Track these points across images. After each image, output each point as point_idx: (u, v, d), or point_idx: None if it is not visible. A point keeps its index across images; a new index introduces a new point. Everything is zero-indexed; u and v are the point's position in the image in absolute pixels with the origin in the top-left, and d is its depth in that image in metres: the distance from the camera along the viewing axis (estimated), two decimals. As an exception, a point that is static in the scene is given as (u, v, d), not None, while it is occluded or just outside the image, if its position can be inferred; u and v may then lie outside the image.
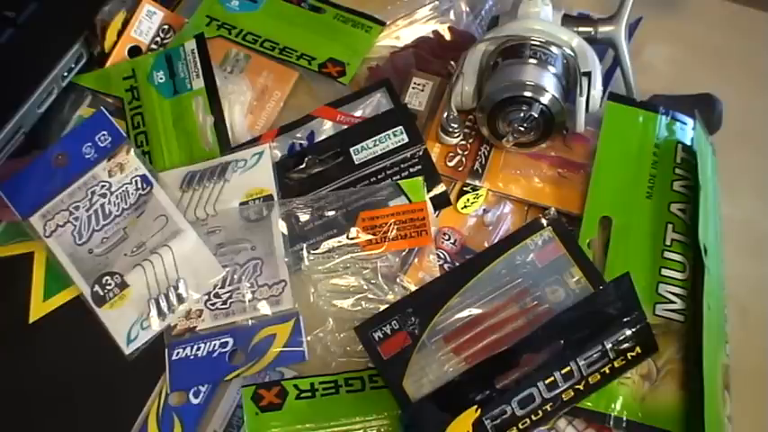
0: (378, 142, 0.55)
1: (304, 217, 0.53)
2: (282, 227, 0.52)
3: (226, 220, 0.52)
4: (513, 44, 0.53)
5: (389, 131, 0.55)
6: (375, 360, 0.47)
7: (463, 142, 0.56)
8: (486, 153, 0.56)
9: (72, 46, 0.57)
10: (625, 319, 0.46)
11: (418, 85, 0.58)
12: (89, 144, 0.53)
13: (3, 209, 0.52)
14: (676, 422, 0.45)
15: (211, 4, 0.63)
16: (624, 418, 0.46)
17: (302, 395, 0.47)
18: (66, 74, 0.57)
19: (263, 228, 0.52)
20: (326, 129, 0.57)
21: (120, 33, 0.60)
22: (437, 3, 0.63)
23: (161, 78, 0.58)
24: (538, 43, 0.53)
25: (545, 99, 0.51)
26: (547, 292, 0.48)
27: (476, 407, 0.44)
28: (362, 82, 0.60)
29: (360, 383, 0.48)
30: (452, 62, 0.59)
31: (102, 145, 0.53)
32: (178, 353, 0.50)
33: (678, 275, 0.49)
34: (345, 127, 0.56)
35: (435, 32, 0.62)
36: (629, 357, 0.46)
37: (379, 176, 0.54)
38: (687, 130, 0.54)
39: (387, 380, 0.46)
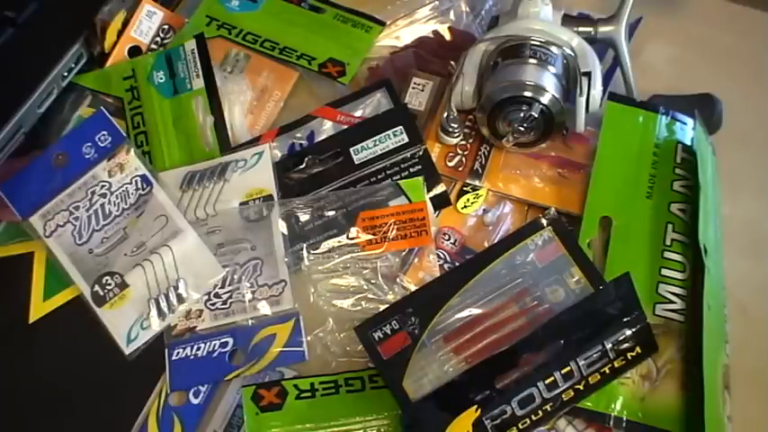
0: (378, 142, 0.55)
1: (304, 217, 0.53)
2: (282, 227, 0.52)
3: (226, 220, 0.52)
4: (513, 44, 0.53)
5: (389, 131, 0.55)
6: (375, 360, 0.47)
7: (463, 142, 0.56)
8: (486, 153, 0.56)
9: (72, 46, 0.57)
10: (625, 319, 0.46)
11: (418, 85, 0.58)
12: (89, 144, 0.53)
13: (3, 209, 0.52)
14: (676, 422, 0.45)
15: (211, 4, 0.63)
16: (624, 418, 0.46)
17: (302, 395, 0.47)
18: (66, 74, 0.57)
19: (263, 228, 0.52)
20: (326, 129, 0.57)
21: (120, 33, 0.60)
22: (437, 3, 0.63)
23: (161, 78, 0.58)
24: (538, 43, 0.53)
25: (545, 99, 0.51)
26: (547, 292, 0.48)
27: (476, 407, 0.44)
28: (362, 82, 0.60)
29: (360, 383, 0.48)
30: (452, 62, 0.59)
31: (102, 145, 0.53)
32: (178, 353, 0.50)
33: (678, 275, 0.49)
34: (345, 127, 0.56)
35: (435, 32, 0.62)
36: (629, 357, 0.46)
37: (379, 176, 0.54)
38: (687, 130, 0.54)
39: (387, 380, 0.46)
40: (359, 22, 0.62)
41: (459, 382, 0.45)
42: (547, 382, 0.45)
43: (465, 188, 0.55)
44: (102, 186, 0.52)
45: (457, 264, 0.52)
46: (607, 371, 0.45)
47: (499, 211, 0.54)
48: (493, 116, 0.52)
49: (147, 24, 0.61)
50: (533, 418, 0.44)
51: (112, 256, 0.51)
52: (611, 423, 0.46)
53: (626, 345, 0.46)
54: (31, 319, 0.52)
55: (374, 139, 0.55)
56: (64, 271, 0.51)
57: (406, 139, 0.55)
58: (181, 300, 0.50)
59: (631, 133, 0.54)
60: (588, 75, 0.53)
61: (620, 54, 0.56)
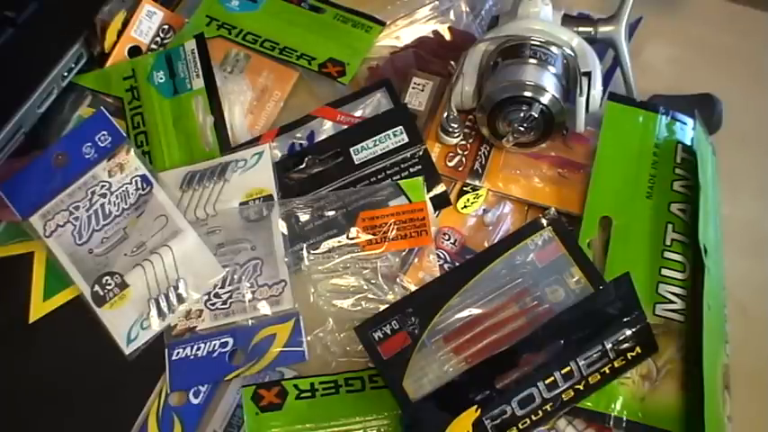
0: (378, 142, 0.55)
1: (304, 217, 0.53)
2: (282, 227, 0.52)
3: (226, 220, 0.52)
4: (513, 44, 0.53)
5: (389, 131, 0.55)
6: (375, 360, 0.47)
7: (463, 142, 0.56)
8: (486, 153, 0.56)
9: (72, 46, 0.57)
10: (625, 319, 0.46)
11: (418, 85, 0.58)
12: (89, 144, 0.53)
13: (3, 209, 0.52)
14: (676, 422, 0.45)
15: (211, 4, 0.63)
16: (624, 418, 0.46)
17: (302, 395, 0.47)
18: (66, 74, 0.57)
19: (263, 228, 0.52)
20: (326, 129, 0.57)
21: (120, 33, 0.60)
22: (437, 3, 0.63)
23: (161, 78, 0.58)
24: (538, 43, 0.53)
25: (545, 99, 0.51)
26: (547, 292, 0.48)
27: (476, 407, 0.44)
28: (362, 82, 0.60)
29: (360, 383, 0.48)
30: (452, 62, 0.59)
31: (102, 145, 0.53)
32: (178, 353, 0.50)
33: (678, 275, 0.49)
34: (345, 127, 0.56)
35: (435, 32, 0.62)
36: (629, 357, 0.46)
37: (379, 176, 0.54)
38: (687, 130, 0.54)
39: (387, 380, 0.46)
40: (359, 22, 0.62)
41: (460, 382, 0.45)
42: (547, 382, 0.45)
43: (465, 188, 0.55)
44: (102, 186, 0.52)
45: (457, 264, 0.52)
46: (607, 371, 0.45)
47: (499, 211, 0.54)
48: (493, 116, 0.52)
49: (147, 24, 0.61)
50: (533, 418, 0.44)
51: (112, 256, 0.51)
52: (611, 423, 0.46)
53: (626, 345, 0.46)
54: (31, 319, 0.52)
55: (374, 139, 0.55)
56: (64, 271, 0.51)
57: (406, 139, 0.55)
58: (181, 300, 0.50)
59: (631, 133, 0.54)
60: (588, 75, 0.53)
61: (620, 54, 0.56)
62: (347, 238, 0.52)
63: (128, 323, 0.50)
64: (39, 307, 0.52)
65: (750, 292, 0.52)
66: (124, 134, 0.53)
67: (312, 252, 0.52)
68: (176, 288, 0.50)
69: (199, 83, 0.58)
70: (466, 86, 0.54)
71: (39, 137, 0.56)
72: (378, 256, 0.52)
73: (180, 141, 0.56)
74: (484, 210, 0.55)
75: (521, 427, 0.44)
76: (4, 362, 0.51)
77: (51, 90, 0.56)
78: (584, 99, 0.52)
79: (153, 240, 0.51)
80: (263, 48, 0.60)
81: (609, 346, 0.45)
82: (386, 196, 0.53)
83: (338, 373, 0.48)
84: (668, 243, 0.50)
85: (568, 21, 0.56)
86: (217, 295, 0.51)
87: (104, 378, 0.50)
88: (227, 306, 0.51)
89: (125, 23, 0.60)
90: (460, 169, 0.55)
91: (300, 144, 0.56)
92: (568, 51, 0.53)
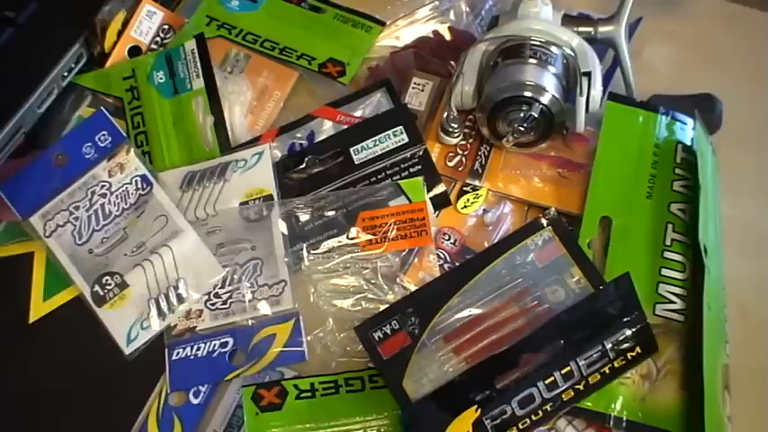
0: (378, 142, 0.55)
1: (304, 217, 0.53)
2: (282, 227, 0.52)
3: (226, 220, 0.52)
4: (513, 44, 0.53)
5: (389, 131, 0.55)
6: (375, 360, 0.47)
7: (463, 142, 0.56)
8: (486, 153, 0.56)
9: (72, 46, 0.57)
10: (625, 319, 0.46)
11: (418, 85, 0.58)
12: (89, 144, 0.53)
13: (3, 209, 0.52)
14: (676, 422, 0.45)
15: (211, 4, 0.63)
16: (624, 418, 0.46)
17: (302, 395, 0.48)
18: (66, 74, 0.57)
19: (263, 228, 0.52)
20: (326, 129, 0.57)
21: (120, 33, 0.60)
22: (437, 3, 0.63)
23: (161, 78, 0.58)
24: (538, 43, 0.53)
25: (545, 99, 0.51)
26: (547, 292, 0.48)
27: (476, 407, 0.44)
28: (362, 82, 0.60)
29: (360, 383, 0.48)
30: (452, 62, 0.59)
31: (102, 145, 0.53)
32: (178, 353, 0.50)
33: (678, 275, 0.49)
34: (345, 127, 0.56)
35: (435, 32, 0.62)
36: (629, 357, 0.46)
37: (379, 176, 0.54)
38: (687, 130, 0.54)
39: (387, 380, 0.46)
40: (359, 22, 0.62)
41: (460, 382, 0.45)
42: (547, 382, 0.45)
43: (465, 188, 0.55)
44: (102, 186, 0.52)
45: (457, 264, 0.52)
46: (607, 371, 0.45)
47: (499, 211, 0.54)
48: (493, 116, 0.52)
49: (147, 24, 0.61)
50: (533, 418, 0.44)
51: (112, 256, 0.51)
52: (611, 423, 0.46)
53: (626, 345, 0.46)
54: (31, 319, 0.52)
55: (374, 139, 0.55)
56: (64, 271, 0.51)
57: (406, 139, 0.55)
58: (181, 300, 0.50)
59: (631, 133, 0.54)
60: (588, 75, 0.53)
61: (620, 54, 0.56)
62: (347, 238, 0.52)
63: (128, 323, 0.50)
64: (39, 307, 0.52)
65: (750, 292, 0.52)
66: (124, 134, 0.53)
67: (312, 252, 0.52)
68: (176, 288, 0.50)
69: (199, 83, 0.58)
70: (466, 86, 0.54)
71: (39, 137, 0.56)
72: (378, 256, 0.52)
73: (180, 141, 0.56)
74: (484, 210, 0.55)
75: (521, 427, 0.44)
76: (4, 362, 0.51)
77: (51, 90, 0.56)
78: (584, 99, 0.52)
79: (153, 240, 0.51)
80: (263, 48, 0.60)
81: (609, 346, 0.45)
82: (386, 196, 0.53)
83: (338, 373, 0.48)
84: (668, 243, 0.50)
85: (568, 21, 0.56)
86: (217, 295, 0.51)
87: (104, 378, 0.50)
88: (227, 306, 0.51)
89: (125, 23, 0.60)
90: (460, 169, 0.55)
91: (300, 144, 0.56)
92: (568, 51, 0.53)
